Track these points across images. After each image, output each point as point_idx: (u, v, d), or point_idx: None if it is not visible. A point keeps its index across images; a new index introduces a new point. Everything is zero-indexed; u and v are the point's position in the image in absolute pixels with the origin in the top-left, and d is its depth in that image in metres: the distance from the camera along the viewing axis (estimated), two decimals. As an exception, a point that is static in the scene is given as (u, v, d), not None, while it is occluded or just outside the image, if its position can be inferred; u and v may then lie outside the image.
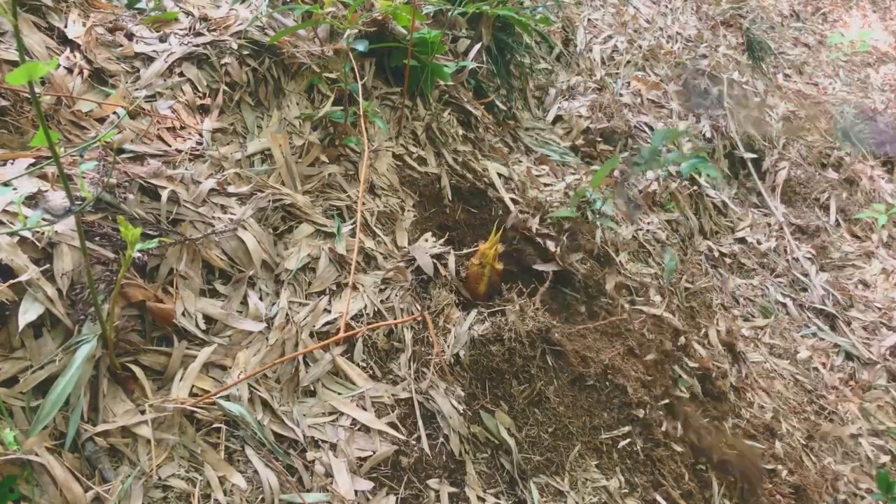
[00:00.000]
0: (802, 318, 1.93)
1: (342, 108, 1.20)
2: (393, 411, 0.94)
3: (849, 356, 1.83)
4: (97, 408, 0.76)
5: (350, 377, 0.95)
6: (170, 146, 1.02)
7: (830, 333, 1.89)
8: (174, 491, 0.74)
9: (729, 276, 1.93)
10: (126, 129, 0.98)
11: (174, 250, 0.89)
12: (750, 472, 1.30)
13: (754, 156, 2.38)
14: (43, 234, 0.78)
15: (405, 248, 1.18)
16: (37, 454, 0.68)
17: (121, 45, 1.09)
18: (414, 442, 0.93)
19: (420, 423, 0.94)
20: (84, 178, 0.87)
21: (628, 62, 2.38)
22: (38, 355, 0.74)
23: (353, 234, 1.08)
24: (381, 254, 1.12)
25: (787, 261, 2.12)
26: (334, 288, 1.02)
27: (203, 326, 0.88)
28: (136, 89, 1.05)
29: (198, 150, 1.04)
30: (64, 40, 1.04)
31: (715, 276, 1.88)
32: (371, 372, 0.97)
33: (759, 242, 2.14)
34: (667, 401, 1.37)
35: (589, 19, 2.51)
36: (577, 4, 2.54)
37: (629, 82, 2.30)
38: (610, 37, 2.47)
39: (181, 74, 1.09)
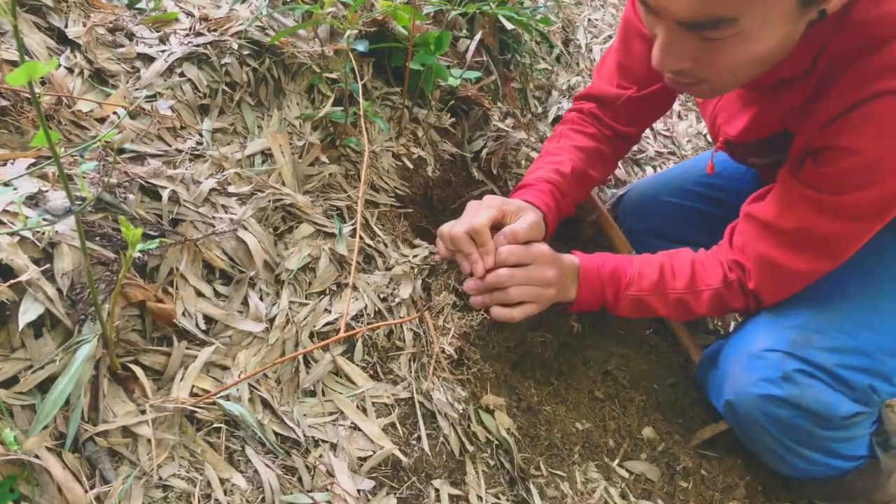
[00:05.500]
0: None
1: (342, 108, 1.20)
2: (393, 411, 0.94)
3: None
4: (97, 408, 0.76)
5: (350, 377, 0.95)
6: (170, 146, 1.02)
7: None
8: (174, 491, 0.74)
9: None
10: (126, 129, 0.98)
11: (174, 250, 0.90)
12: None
13: (754, 156, 2.38)
14: (43, 234, 0.78)
15: (406, 248, 1.18)
16: (37, 454, 0.68)
17: (121, 46, 1.09)
18: (414, 442, 0.93)
19: (420, 422, 0.95)
20: (84, 178, 0.87)
21: (628, 62, 2.37)
22: (38, 355, 0.74)
23: (353, 235, 1.08)
24: (382, 254, 1.12)
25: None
26: (334, 288, 1.02)
27: (203, 327, 0.89)
28: (137, 89, 1.05)
29: (198, 150, 1.04)
30: (64, 40, 1.04)
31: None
32: (371, 372, 0.97)
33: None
34: (669, 401, 1.37)
35: (589, 19, 2.51)
36: (577, 4, 2.54)
37: (629, 82, 2.29)
38: (610, 37, 2.47)
39: (181, 74, 1.09)
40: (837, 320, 1.07)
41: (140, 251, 0.78)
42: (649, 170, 2.11)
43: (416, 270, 1.12)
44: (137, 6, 1.17)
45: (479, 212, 1.10)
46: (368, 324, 1.00)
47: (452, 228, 1.10)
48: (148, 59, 1.09)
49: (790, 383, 1.03)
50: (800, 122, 0.99)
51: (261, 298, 0.95)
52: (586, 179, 1.32)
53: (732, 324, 1.72)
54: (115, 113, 0.98)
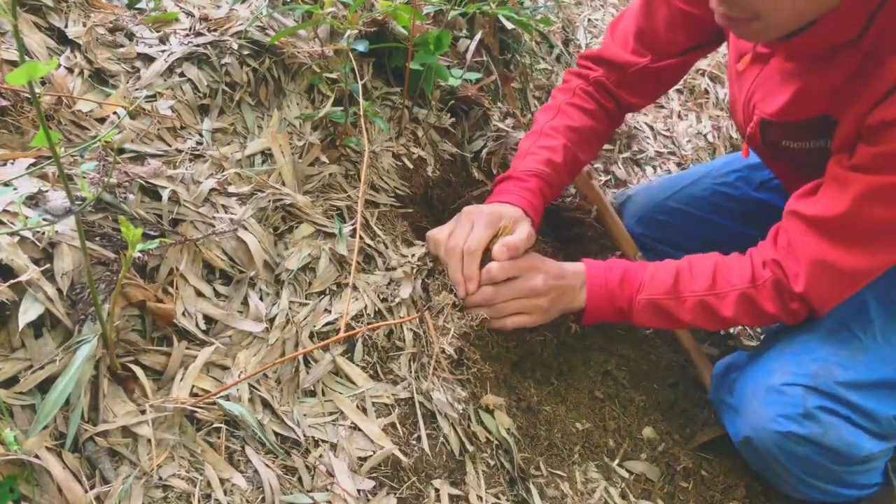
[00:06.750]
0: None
1: (342, 108, 1.20)
2: (393, 411, 0.94)
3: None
4: (97, 408, 0.76)
5: (350, 377, 0.95)
6: (170, 146, 1.02)
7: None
8: (174, 491, 0.74)
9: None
10: (126, 129, 0.98)
11: (174, 250, 0.90)
12: None
13: (754, 156, 2.38)
14: (43, 234, 0.78)
15: (405, 248, 1.18)
16: (37, 454, 0.68)
17: (121, 46, 1.09)
18: (414, 442, 0.93)
19: (420, 422, 0.95)
20: (84, 178, 0.87)
21: (628, 62, 2.37)
22: (38, 355, 0.74)
23: (353, 235, 1.08)
24: (382, 254, 1.12)
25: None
26: (335, 288, 1.02)
27: (203, 326, 0.89)
28: (137, 89, 1.05)
29: (198, 150, 1.04)
30: (64, 40, 1.04)
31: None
32: (371, 372, 0.97)
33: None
34: (669, 401, 1.37)
35: (589, 19, 2.51)
36: (577, 4, 2.54)
37: (629, 82, 2.29)
38: (610, 37, 2.47)
39: (181, 74, 1.09)
40: (860, 353, 1.03)
41: (140, 251, 0.78)
42: (649, 170, 2.11)
43: (415, 270, 1.12)
44: (137, 6, 1.17)
45: (475, 232, 1.10)
46: (368, 324, 1.00)
47: (448, 243, 1.11)
48: (148, 59, 1.09)
49: (811, 421, 0.99)
50: (846, 106, 0.92)
51: (261, 298, 0.95)
52: (576, 165, 1.31)
53: (737, 329, 1.72)
54: (115, 113, 0.98)
